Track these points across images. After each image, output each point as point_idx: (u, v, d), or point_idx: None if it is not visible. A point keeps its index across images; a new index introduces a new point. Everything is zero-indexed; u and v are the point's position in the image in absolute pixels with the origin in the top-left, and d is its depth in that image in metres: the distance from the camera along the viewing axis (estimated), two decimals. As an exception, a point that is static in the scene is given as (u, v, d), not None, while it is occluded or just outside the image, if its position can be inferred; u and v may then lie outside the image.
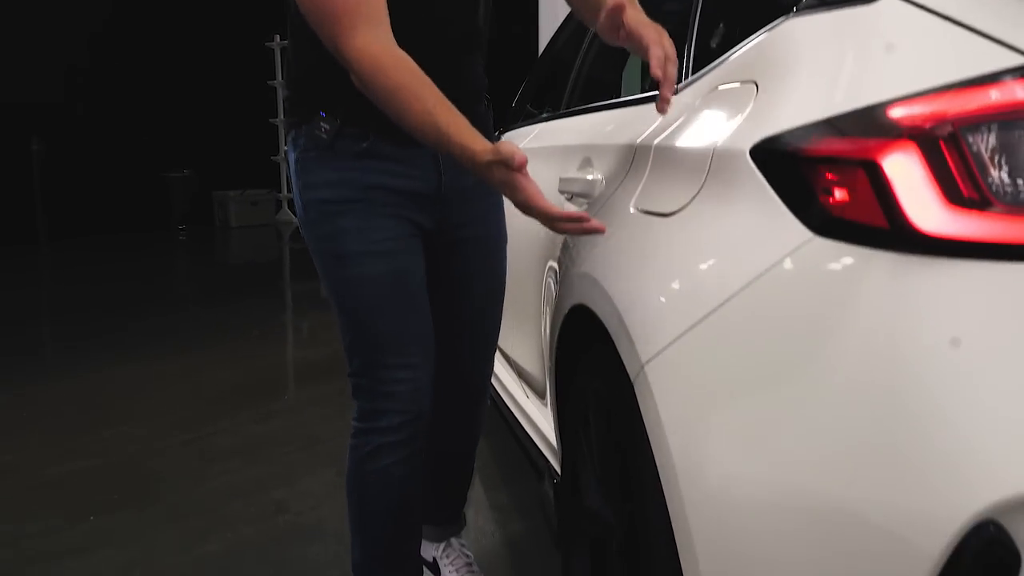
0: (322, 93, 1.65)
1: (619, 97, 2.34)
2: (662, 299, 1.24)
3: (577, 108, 2.26)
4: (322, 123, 1.64)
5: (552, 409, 1.95)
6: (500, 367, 3.05)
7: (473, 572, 2.11)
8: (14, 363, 4.46)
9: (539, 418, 2.34)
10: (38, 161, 9.68)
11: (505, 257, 1.94)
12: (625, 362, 1.27)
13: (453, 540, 2.15)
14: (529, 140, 2.59)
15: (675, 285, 1.23)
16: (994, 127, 0.90)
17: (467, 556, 2.14)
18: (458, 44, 1.71)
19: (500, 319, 1.99)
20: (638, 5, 1.58)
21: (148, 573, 2.26)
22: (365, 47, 1.46)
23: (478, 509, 2.80)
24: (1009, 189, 0.89)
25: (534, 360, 2.30)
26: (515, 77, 3.95)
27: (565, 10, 4.11)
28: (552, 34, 3.43)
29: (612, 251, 1.45)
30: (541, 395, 2.30)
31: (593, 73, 2.54)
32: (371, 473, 1.70)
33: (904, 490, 0.88)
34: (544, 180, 2.14)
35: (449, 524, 2.15)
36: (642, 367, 1.21)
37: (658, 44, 1.48)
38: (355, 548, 1.78)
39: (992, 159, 0.90)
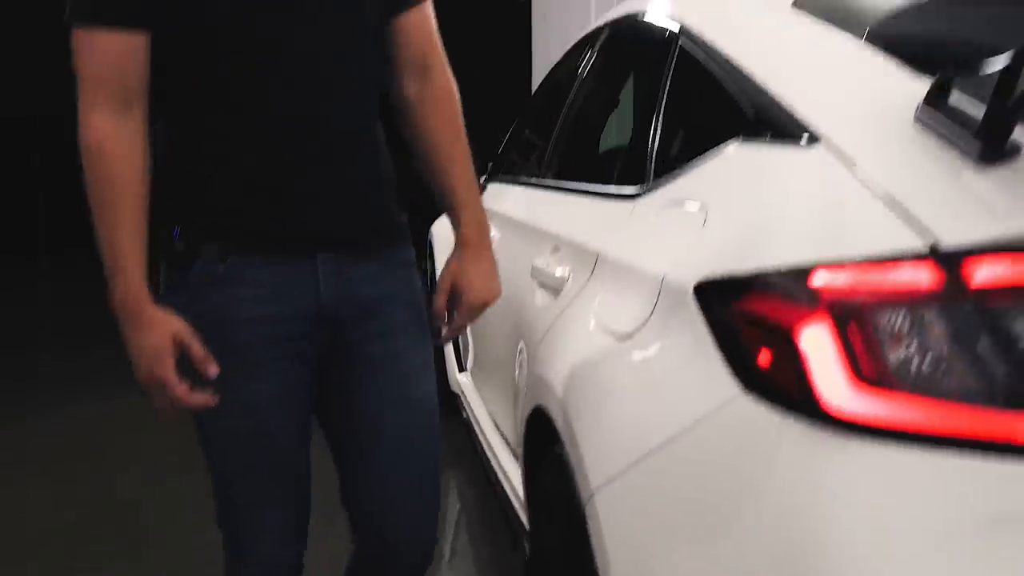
0: (178, 194, 1.44)
1: (598, 159, 2.41)
2: (612, 429, 1.31)
3: (553, 182, 2.32)
4: (176, 243, 1.43)
5: (524, 493, 2.00)
6: (488, 422, 3.11)
7: None
8: (15, 395, 4.52)
9: (518, 481, 2.40)
10: (39, 176, 9.77)
11: (430, 383, 1.57)
12: (577, 483, 1.34)
13: None
14: (507, 206, 2.66)
15: (624, 416, 1.30)
16: (902, 309, 0.96)
17: None
18: (342, 138, 1.45)
19: (432, 465, 1.58)
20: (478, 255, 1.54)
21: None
22: (97, 125, 1.35)
23: (457, 563, 2.87)
24: (913, 372, 0.95)
25: (512, 429, 2.37)
26: (507, 115, 3.96)
27: (559, 51, 4.13)
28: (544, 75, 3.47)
29: (572, 364, 1.52)
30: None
31: (575, 131, 2.59)
32: None
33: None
34: (519, 259, 2.21)
35: None
36: (592, 495, 1.28)
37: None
38: None
39: (897, 340, 0.96)
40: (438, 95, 1.55)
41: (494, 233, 2.86)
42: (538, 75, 5.41)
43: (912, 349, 0.95)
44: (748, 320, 1.09)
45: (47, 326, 6.57)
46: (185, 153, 1.43)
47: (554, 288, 1.81)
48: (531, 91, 5.51)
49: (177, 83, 1.40)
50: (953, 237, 0.96)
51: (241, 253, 1.41)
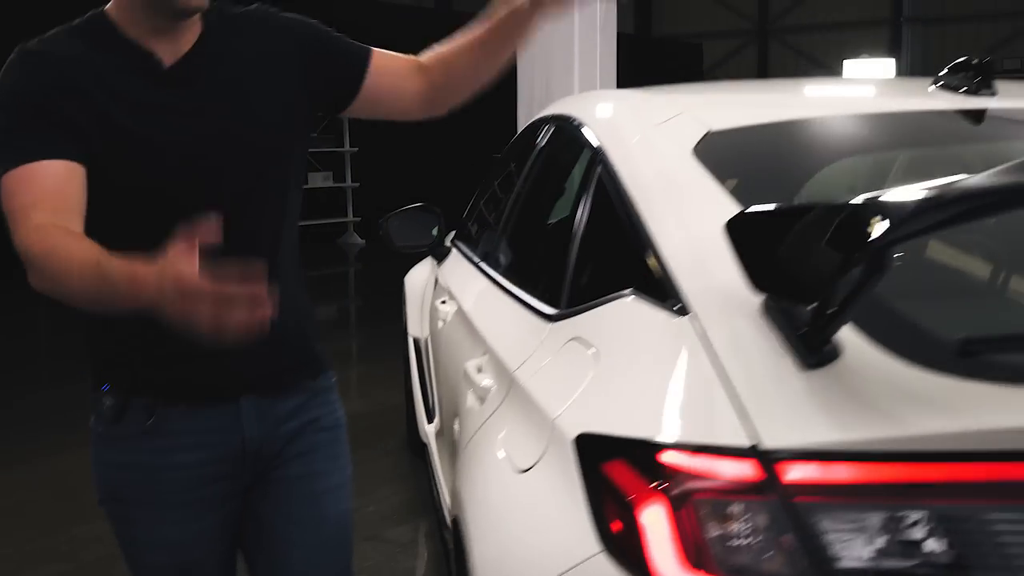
0: (106, 352, 1.52)
1: (533, 259, 2.53)
2: (500, 566, 1.45)
3: (495, 273, 2.46)
4: (104, 398, 1.52)
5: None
6: (444, 483, 3.24)
7: None
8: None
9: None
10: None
11: (345, 503, 1.67)
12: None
13: None
14: (461, 287, 2.79)
15: (511, 555, 1.44)
16: (725, 499, 1.10)
17: None
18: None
19: None
20: None
21: None
22: (38, 225, 1.30)
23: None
24: (731, 559, 1.08)
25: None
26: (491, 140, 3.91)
27: (542, 103, 4.21)
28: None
29: (479, 489, 1.66)
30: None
31: (519, 227, 2.72)
32: None
33: None
34: (458, 354, 2.34)
35: None
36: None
37: None
38: None
39: (720, 527, 1.09)
40: (435, 55, 1.62)
41: (448, 309, 3.00)
42: (525, 96, 5.47)
43: (731, 537, 1.09)
44: (607, 484, 1.22)
45: (41, 355, 6.66)
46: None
47: (480, 396, 1.94)
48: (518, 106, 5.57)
49: (97, 236, 1.38)
50: (771, 438, 1.09)
51: (167, 405, 1.50)
